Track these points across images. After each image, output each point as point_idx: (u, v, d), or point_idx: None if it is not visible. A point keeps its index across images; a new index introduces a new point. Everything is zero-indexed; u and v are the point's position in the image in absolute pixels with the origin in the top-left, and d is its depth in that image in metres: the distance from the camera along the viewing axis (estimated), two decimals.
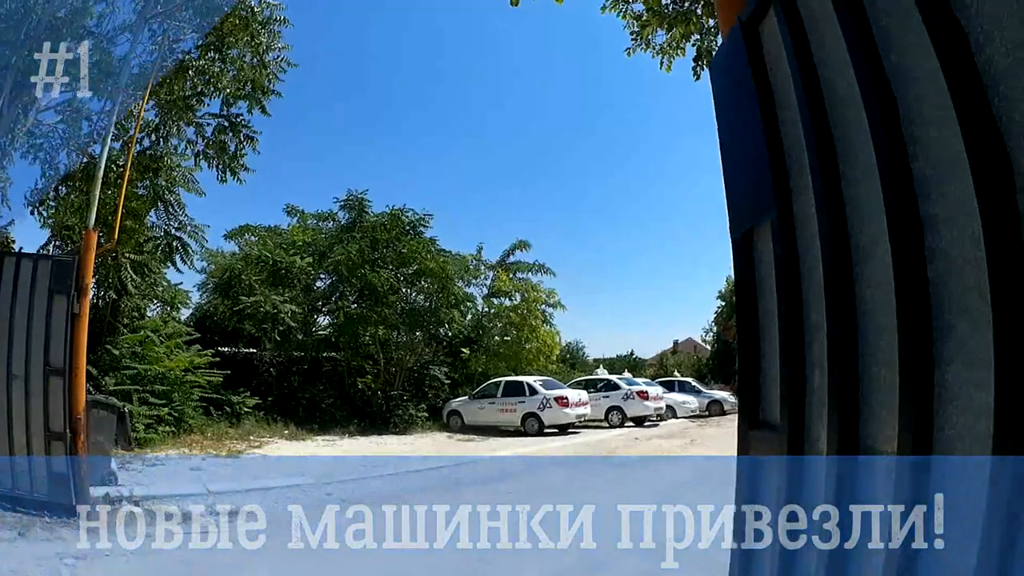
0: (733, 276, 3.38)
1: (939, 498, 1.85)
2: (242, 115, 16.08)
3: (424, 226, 28.73)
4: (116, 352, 19.58)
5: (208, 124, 16.29)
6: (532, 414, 26.88)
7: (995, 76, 1.67)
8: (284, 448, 19.51)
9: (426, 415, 28.70)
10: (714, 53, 8.95)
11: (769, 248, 2.82)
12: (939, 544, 1.85)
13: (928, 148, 1.90)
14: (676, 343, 71.10)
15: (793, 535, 2.64)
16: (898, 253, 1.97)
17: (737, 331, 3.24)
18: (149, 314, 22.94)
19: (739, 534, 3.14)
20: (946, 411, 1.83)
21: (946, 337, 1.84)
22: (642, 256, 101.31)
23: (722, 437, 24.12)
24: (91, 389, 11.87)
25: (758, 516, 3.04)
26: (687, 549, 8.74)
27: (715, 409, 36.15)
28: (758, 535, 3.04)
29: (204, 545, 8.57)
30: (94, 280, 10.75)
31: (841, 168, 2.33)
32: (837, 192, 2.33)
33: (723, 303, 54.13)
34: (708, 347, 60.03)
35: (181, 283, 24.74)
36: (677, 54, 9.29)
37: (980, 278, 1.69)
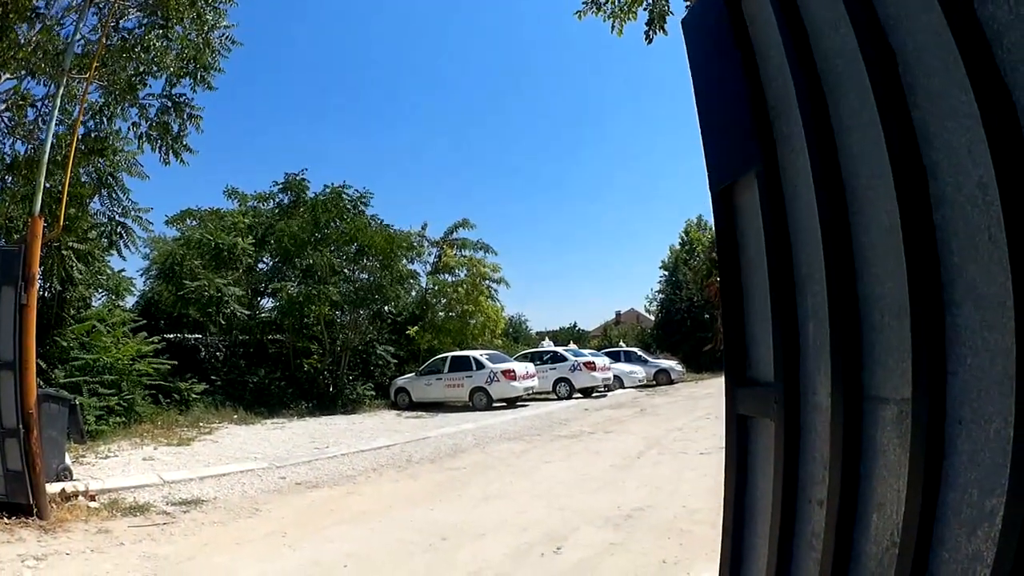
0: (714, 233, 3.35)
1: (958, 443, 1.82)
2: (185, 95, 15.74)
3: (364, 204, 28.59)
4: (64, 343, 19.23)
5: (152, 105, 15.92)
6: (480, 388, 26.94)
7: (998, 30, 1.65)
8: (235, 433, 19.34)
9: (373, 394, 28.71)
10: (676, 13, 8.90)
11: (752, 202, 2.79)
12: (958, 489, 1.82)
13: (929, 97, 1.87)
14: (619, 314, 71.78)
15: (794, 494, 2.61)
16: (903, 200, 1.93)
17: (720, 288, 3.21)
18: (95, 303, 22.50)
19: (733, 496, 3.11)
20: (958, 354, 1.81)
21: (955, 280, 1.81)
22: (582, 229, 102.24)
23: (672, 405, 24.41)
24: (41, 383, 11.57)
25: (752, 476, 3.02)
26: (646, 517, 8.81)
27: (662, 378, 36.58)
28: (752, 497, 3.02)
29: (164, 537, 8.47)
30: (40, 271, 10.44)
31: (832, 118, 2.30)
32: (830, 141, 2.30)
33: (667, 273, 54.58)
34: (651, 317, 60.51)
35: (124, 270, 24.26)
36: (629, 18, 9.17)
37: (989, 222, 1.67)
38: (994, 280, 1.67)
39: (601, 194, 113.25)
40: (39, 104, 15.14)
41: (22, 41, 13.38)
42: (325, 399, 26.47)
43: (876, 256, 2.14)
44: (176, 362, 21.99)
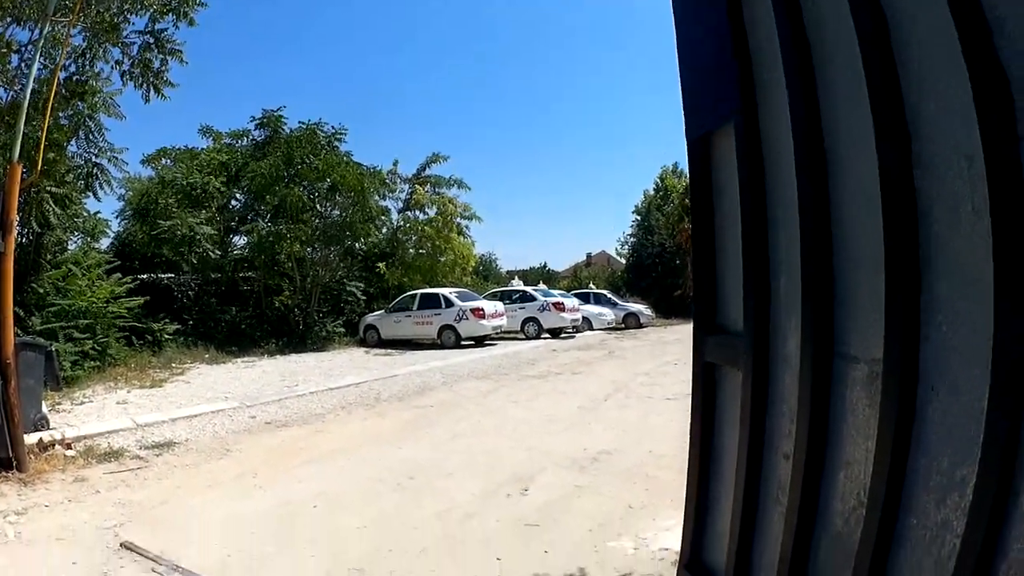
0: (688, 180, 3.33)
1: (928, 409, 1.82)
2: (167, 30, 15.64)
3: (339, 140, 28.25)
4: (41, 290, 18.86)
5: (134, 43, 15.87)
6: (449, 326, 27.01)
7: None
8: (206, 373, 19.22)
9: (343, 331, 28.63)
10: None
11: (729, 151, 2.78)
12: (928, 456, 1.83)
13: (918, 62, 1.84)
14: (590, 256, 71.86)
15: (761, 446, 2.62)
16: (884, 161, 1.92)
17: (692, 234, 3.20)
18: (71, 247, 22.18)
19: (698, 443, 3.13)
20: (933, 320, 1.81)
21: (934, 247, 1.81)
22: (555, 170, 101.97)
23: (640, 349, 24.55)
24: (18, 331, 11.39)
25: (719, 425, 3.03)
26: (613, 461, 8.89)
27: (631, 321, 36.68)
28: (719, 446, 3.04)
29: (137, 482, 8.48)
30: (18, 217, 10.26)
31: (817, 74, 2.27)
32: (812, 97, 2.27)
33: (639, 218, 54.53)
34: (622, 260, 60.57)
35: (99, 212, 23.94)
36: None
37: (973, 193, 1.65)
38: (975, 252, 1.66)
39: (576, 133, 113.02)
40: (23, 50, 14.95)
41: None
42: (295, 337, 26.37)
43: (853, 214, 2.14)
44: (148, 297, 21.76)
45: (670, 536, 5.82)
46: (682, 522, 3.33)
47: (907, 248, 1.85)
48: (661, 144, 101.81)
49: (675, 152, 64.28)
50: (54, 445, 9.53)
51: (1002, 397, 1.57)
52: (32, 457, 8.92)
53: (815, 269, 2.26)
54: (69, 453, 9.43)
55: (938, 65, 1.75)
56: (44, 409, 10.84)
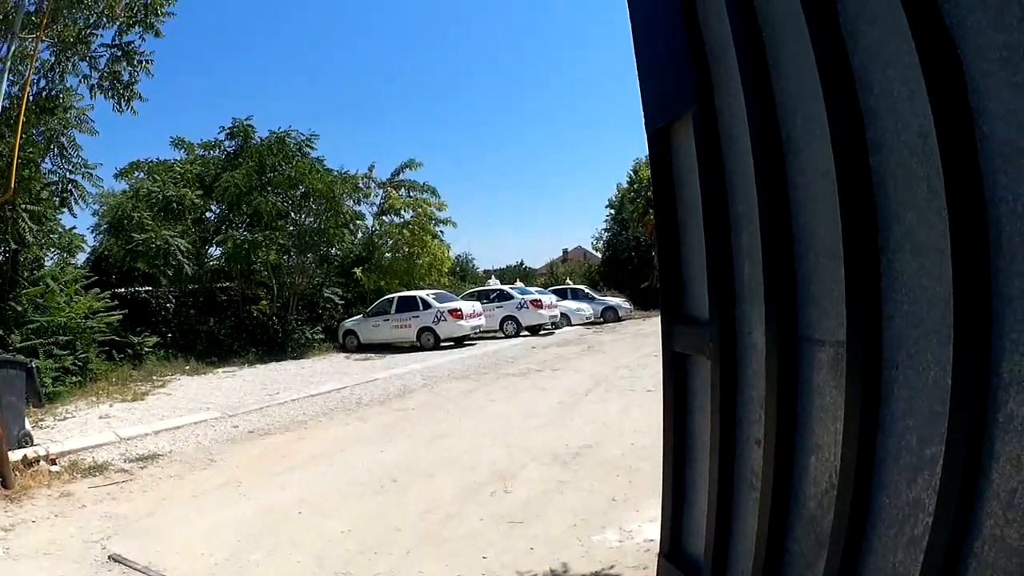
0: (650, 171, 3.37)
1: (895, 389, 1.85)
2: (134, 42, 15.64)
3: (310, 147, 28.13)
4: (19, 307, 18.70)
5: (102, 56, 15.86)
6: (427, 328, 26.88)
7: None
8: (187, 384, 19.00)
9: (322, 337, 28.48)
10: None
11: (688, 141, 2.80)
12: (896, 435, 1.86)
13: (870, 45, 1.86)
14: (566, 251, 71.78)
15: (733, 433, 2.65)
16: (837, 144, 1.94)
17: (655, 226, 3.23)
18: (47, 263, 21.97)
19: (672, 433, 3.16)
20: (895, 299, 1.83)
21: (892, 226, 1.83)
22: (529, 167, 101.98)
23: (619, 342, 24.54)
24: None
25: (691, 414, 3.06)
26: (594, 455, 8.92)
27: (610, 315, 36.64)
28: (692, 434, 3.07)
29: (123, 495, 8.45)
30: None
31: (770, 61, 2.30)
32: (767, 84, 2.30)
33: (613, 211, 54.52)
34: (598, 254, 60.56)
35: (75, 227, 23.69)
36: None
37: (928, 171, 1.67)
38: (933, 228, 1.67)
39: (550, 131, 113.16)
40: None
41: None
42: (275, 345, 26.19)
43: (811, 198, 2.15)
44: (126, 311, 21.54)
45: (654, 527, 5.82)
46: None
47: (866, 230, 1.87)
48: (636, 137, 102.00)
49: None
50: (39, 461, 9.48)
51: (965, 372, 1.59)
52: (17, 474, 8.89)
53: (777, 255, 2.27)
54: (54, 469, 9.39)
55: (889, 42, 1.76)
56: (27, 426, 10.77)
